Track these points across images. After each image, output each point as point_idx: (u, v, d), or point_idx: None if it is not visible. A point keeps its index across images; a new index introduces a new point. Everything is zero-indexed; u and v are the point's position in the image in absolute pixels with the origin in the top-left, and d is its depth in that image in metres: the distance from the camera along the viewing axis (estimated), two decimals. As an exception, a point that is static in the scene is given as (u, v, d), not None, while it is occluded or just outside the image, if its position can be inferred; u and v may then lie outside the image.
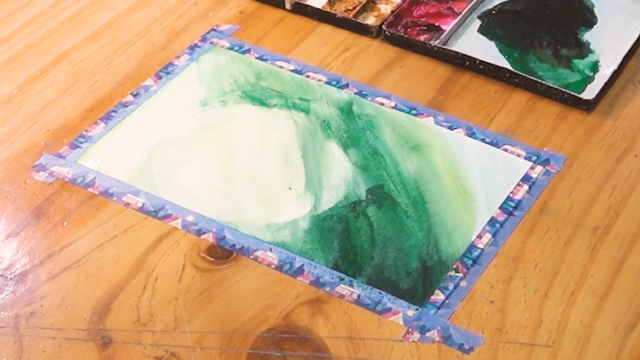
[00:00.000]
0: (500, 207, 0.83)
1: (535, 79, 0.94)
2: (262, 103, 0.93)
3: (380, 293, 0.76)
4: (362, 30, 1.01)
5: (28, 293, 0.76)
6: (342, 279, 0.77)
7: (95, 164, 0.87)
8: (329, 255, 0.79)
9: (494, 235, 0.81)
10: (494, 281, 0.77)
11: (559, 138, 0.90)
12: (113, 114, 0.92)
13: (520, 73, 0.94)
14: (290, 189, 0.85)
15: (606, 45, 0.99)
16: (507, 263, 0.79)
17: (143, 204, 0.83)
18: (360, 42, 1.01)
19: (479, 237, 0.81)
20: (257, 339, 0.73)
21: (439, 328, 0.74)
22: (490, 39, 1.00)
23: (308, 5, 1.04)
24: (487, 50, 0.99)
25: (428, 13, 1.03)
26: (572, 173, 0.86)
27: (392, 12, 1.02)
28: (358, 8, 1.03)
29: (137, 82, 0.95)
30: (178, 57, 0.98)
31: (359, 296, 0.76)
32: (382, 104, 0.93)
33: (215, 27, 1.02)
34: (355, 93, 0.94)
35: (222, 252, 0.79)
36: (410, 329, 0.74)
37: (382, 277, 0.77)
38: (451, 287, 0.77)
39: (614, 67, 0.96)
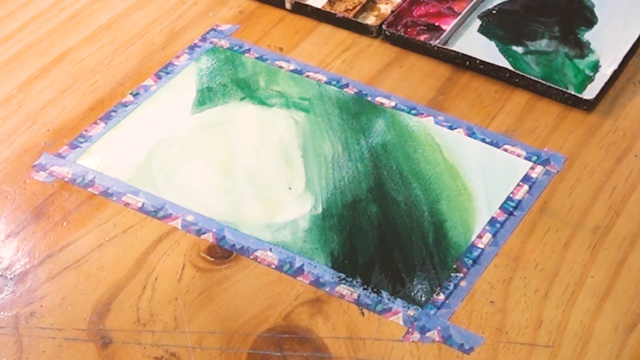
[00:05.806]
0: (501, 207, 0.83)
1: (536, 78, 0.94)
2: (262, 102, 0.93)
3: (380, 293, 0.76)
4: (362, 30, 1.01)
5: (28, 293, 0.76)
6: (342, 279, 0.77)
7: (95, 164, 0.87)
8: (329, 255, 0.79)
9: (494, 235, 0.81)
10: (494, 281, 0.77)
11: (559, 138, 0.90)
12: (113, 113, 0.92)
13: (520, 73, 0.94)
14: (290, 188, 0.85)
15: (606, 45, 0.99)
16: (507, 263, 0.79)
17: (143, 204, 0.83)
18: (360, 42, 1.01)
19: (479, 237, 0.81)
20: (257, 339, 0.73)
21: (439, 328, 0.74)
22: (490, 38, 1.00)
23: (308, 5, 1.03)
24: (487, 50, 0.99)
25: (428, 13, 1.03)
26: (572, 173, 0.86)
27: (392, 12, 1.02)
28: (358, 8, 1.03)
29: (137, 82, 0.95)
30: (178, 57, 0.98)
31: (359, 296, 0.76)
32: (382, 104, 0.93)
33: (215, 27, 1.02)
34: (355, 93, 0.94)
35: (222, 252, 0.79)
36: (410, 329, 0.74)
37: (382, 277, 0.77)
38: (451, 287, 0.77)
39: (614, 67, 0.96)
